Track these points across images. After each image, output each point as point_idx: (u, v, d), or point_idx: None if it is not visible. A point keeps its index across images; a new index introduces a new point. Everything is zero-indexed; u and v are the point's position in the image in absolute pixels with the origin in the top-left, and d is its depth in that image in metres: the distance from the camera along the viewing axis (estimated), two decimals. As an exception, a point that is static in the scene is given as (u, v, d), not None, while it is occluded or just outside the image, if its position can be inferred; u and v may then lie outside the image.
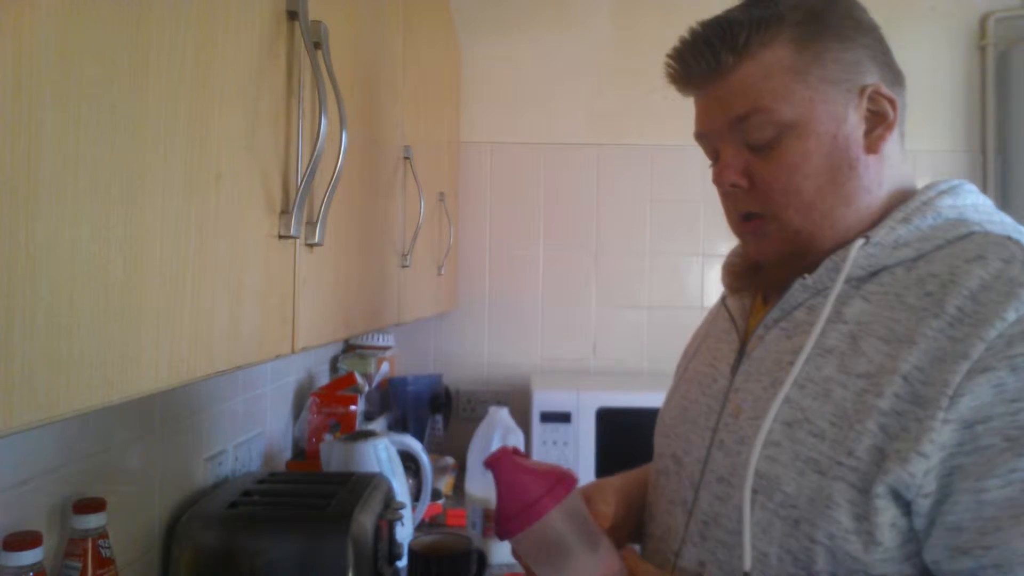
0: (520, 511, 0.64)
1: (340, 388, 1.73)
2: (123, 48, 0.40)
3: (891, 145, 0.68)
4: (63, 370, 0.35)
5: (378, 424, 1.92)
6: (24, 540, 0.73)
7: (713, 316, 0.86)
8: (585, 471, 1.84)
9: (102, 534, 0.84)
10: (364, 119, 0.95)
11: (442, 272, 1.75)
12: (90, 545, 0.83)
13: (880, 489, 0.55)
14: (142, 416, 1.04)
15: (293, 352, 0.68)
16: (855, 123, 0.67)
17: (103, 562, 0.84)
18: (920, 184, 0.70)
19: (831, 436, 0.59)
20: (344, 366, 2.05)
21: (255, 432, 1.46)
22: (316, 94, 0.66)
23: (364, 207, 0.97)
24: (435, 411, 2.08)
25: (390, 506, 1.19)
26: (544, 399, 1.86)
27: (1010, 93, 2.22)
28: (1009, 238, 0.62)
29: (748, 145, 0.68)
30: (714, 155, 0.73)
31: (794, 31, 0.66)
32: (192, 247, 0.48)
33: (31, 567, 0.72)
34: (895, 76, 0.70)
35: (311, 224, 0.70)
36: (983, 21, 2.27)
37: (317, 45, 0.67)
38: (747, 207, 0.70)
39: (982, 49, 2.27)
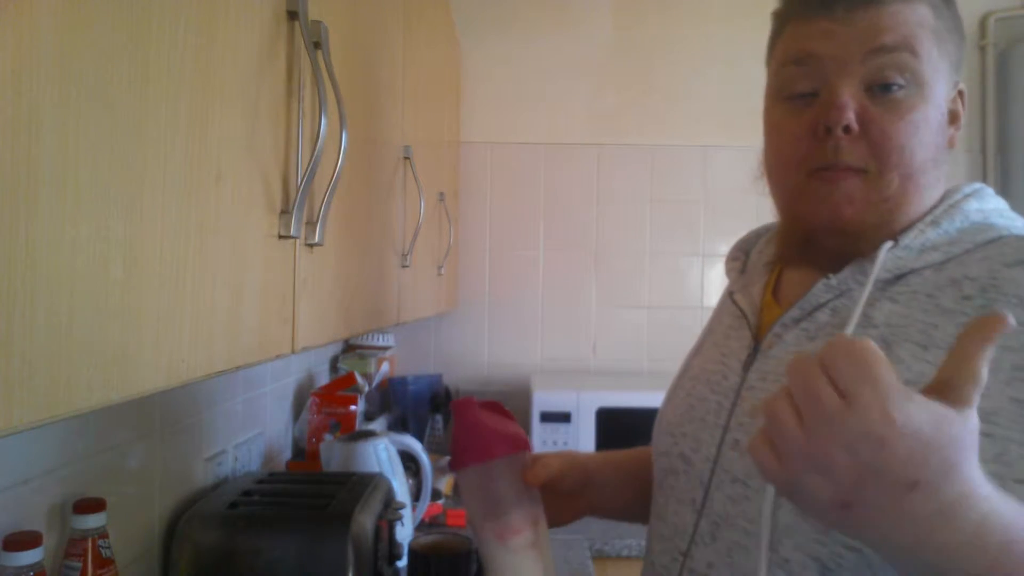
0: (472, 449, 0.73)
1: (340, 388, 1.73)
2: (123, 48, 0.40)
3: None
4: (63, 370, 0.35)
5: (378, 424, 1.91)
6: (24, 540, 0.73)
7: (718, 312, 0.84)
8: (585, 471, 1.84)
9: (102, 534, 0.84)
10: (364, 119, 0.95)
11: (442, 272, 1.75)
12: (90, 545, 0.83)
13: None
14: (142, 416, 1.04)
15: (293, 352, 0.68)
16: (947, 112, 0.66)
17: (103, 562, 0.84)
18: None
19: None
20: (344, 366, 2.05)
21: (255, 432, 1.46)
22: (316, 94, 0.66)
23: (364, 207, 0.97)
24: (435, 411, 2.08)
25: (390, 506, 1.19)
26: (544, 399, 1.86)
27: (1010, 93, 2.22)
28: None
29: (869, 89, 0.63)
30: (805, 91, 0.66)
31: None
32: (192, 247, 0.48)
33: (31, 567, 0.72)
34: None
35: (311, 224, 0.70)
36: (983, 21, 2.27)
37: (317, 45, 0.67)
38: (849, 157, 0.63)
39: (982, 49, 2.27)
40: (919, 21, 0.63)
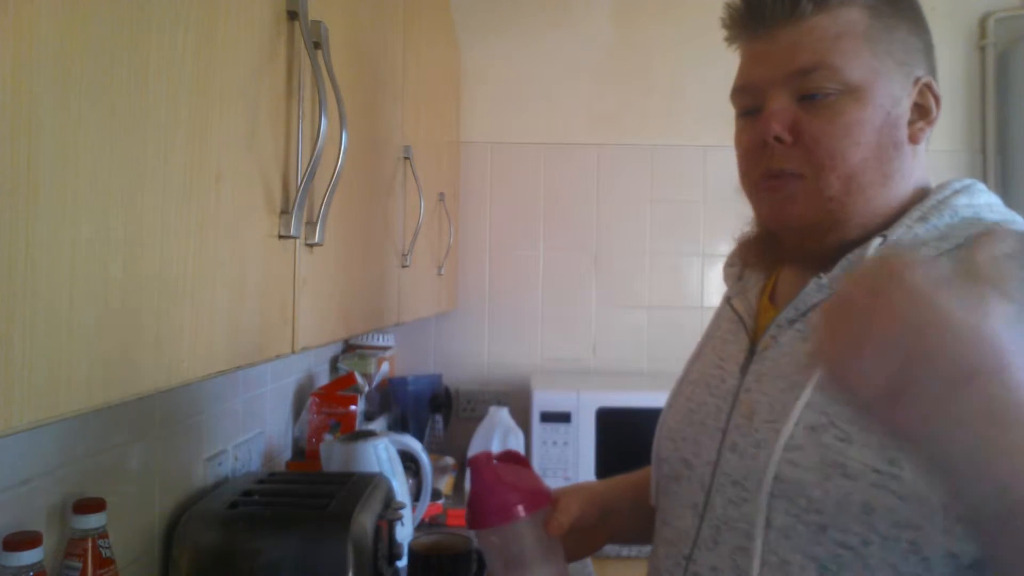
0: (493, 511, 0.71)
1: (340, 388, 1.73)
2: (123, 48, 0.40)
3: (923, 143, 0.69)
4: (63, 370, 0.35)
5: (378, 424, 1.92)
6: (24, 540, 0.72)
7: (716, 318, 0.85)
8: (585, 471, 1.84)
9: (102, 534, 0.84)
10: (364, 119, 0.95)
11: (442, 272, 1.75)
12: (90, 545, 0.83)
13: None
14: (142, 416, 1.04)
15: (293, 352, 0.68)
16: (905, 108, 0.67)
17: (103, 562, 0.84)
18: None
19: (860, 440, 0.58)
20: (344, 366, 2.05)
21: (255, 432, 1.46)
22: (316, 94, 0.66)
23: (364, 207, 0.97)
24: (435, 411, 2.08)
25: (390, 506, 1.19)
26: (544, 399, 1.86)
27: (1010, 93, 2.22)
28: None
29: (801, 99, 0.66)
30: (750, 107, 0.70)
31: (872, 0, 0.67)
32: (192, 247, 0.48)
33: (31, 567, 0.72)
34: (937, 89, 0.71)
35: (311, 224, 0.70)
36: (983, 21, 2.27)
37: (317, 45, 0.67)
38: (783, 164, 0.67)
39: (982, 49, 2.27)
40: (841, 31, 0.65)
